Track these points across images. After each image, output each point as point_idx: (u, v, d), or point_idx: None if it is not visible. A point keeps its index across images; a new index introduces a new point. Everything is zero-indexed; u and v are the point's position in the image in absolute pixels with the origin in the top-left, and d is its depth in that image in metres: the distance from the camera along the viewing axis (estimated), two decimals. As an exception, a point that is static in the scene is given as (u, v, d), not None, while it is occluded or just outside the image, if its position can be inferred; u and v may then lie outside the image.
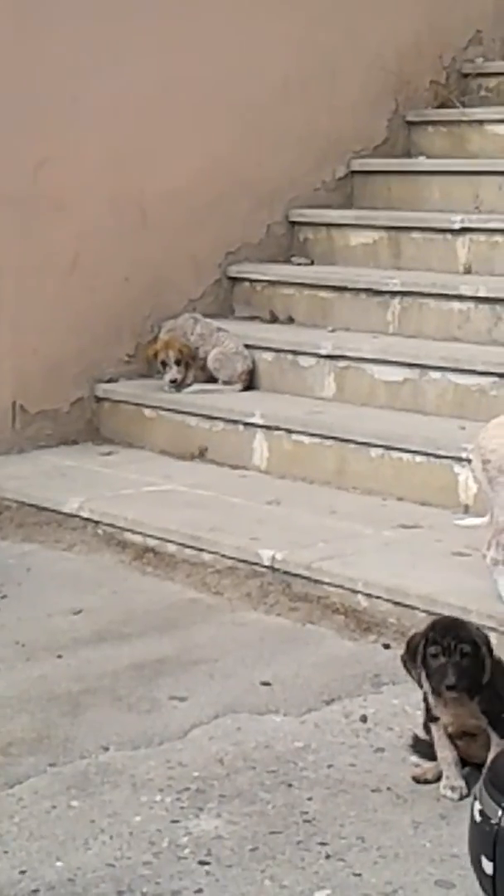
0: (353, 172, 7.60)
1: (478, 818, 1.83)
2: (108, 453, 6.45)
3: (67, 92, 6.37)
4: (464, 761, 3.35)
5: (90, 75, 6.45)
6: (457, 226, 6.70)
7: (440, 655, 3.17)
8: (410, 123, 7.81)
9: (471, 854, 1.89)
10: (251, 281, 7.20)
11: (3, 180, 6.28)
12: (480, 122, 7.50)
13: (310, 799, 3.27)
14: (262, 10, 7.05)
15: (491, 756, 3.20)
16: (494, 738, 3.23)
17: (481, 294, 6.15)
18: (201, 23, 6.83)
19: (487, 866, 1.76)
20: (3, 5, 6.17)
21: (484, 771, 1.98)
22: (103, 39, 6.52)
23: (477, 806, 1.86)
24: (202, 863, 2.94)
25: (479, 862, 1.80)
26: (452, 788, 3.27)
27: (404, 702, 3.81)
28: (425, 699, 3.34)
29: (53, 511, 5.59)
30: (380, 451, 5.53)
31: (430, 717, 3.33)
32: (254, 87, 7.07)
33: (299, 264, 7.27)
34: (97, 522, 5.43)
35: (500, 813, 1.75)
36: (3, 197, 6.29)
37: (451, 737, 3.32)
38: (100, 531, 5.39)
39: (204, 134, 6.91)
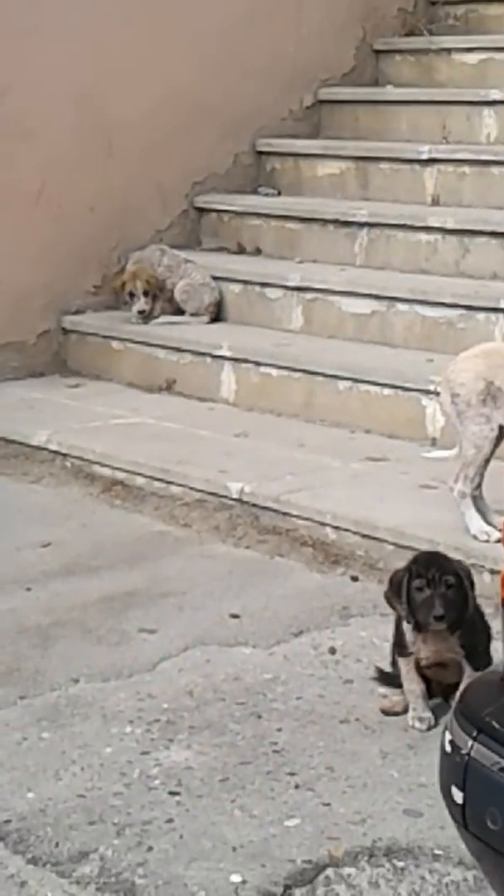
0: (321, 101, 7.61)
1: (448, 749, 1.84)
2: (76, 385, 6.48)
3: (28, 22, 6.33)
4: (430, 693, 3.43)
5: (49, 4, 6.42)
6: (424, 156, 6.73)
7: (425, 588, 3.23)
8: (378, 52, 7.81)
9: (441, 784, 1.89)
10: (218, 212, 7.22)
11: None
12: (448, 50, 7.51)
13: (279, 730, 3.34)
14: None
15: (462, 687, 3.34)
16: (468, 669, 3.29)
17: (449, 226, 6.19)
18: None
19: (458, 795, 1.78)
20: None
21: (454, 703, 2.00)
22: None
23: (447, 737, 1.85)
24: (172, 793, 3.01)
25: (450, 791, 1.81)
26: (420, 720, 3.35)
27: (372, 634, 3.87)
28: (397, 633, 3.40)
29: (21, 444, 5.62)
30: (347, 383, 5.58)
31: (400, 652, 3.39)
32: (219, 15, 7.05)
33: (266, 195, 7.30)
34: (65, 455, 5.46)
35: (470, 743, 1.76)
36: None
37: (420, 669, 3.38)
38: (68, 464, 5.42)
39: (169, 62, 6.89)
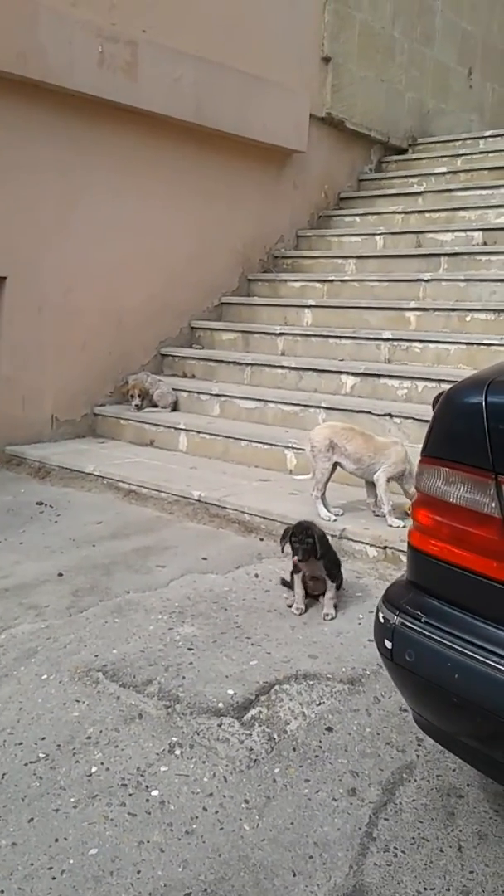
0: (222, 303, 7.62)
1: (381, 621, 1.81)
2: (103, 442, 6.37)
3: (82, 255, 6.34)
4: (307, 594, 3.50)
5: (91, 249, 6.41)
6: (277, 331, 6.83)
7: (296, 542, 3.32)
8: (250, 280, 7.84)
9: (377, 639, 1.85)
10: (172, 356, 7.16)
11: (50, 297, 6.18)
12: (285, 280, 7.60)
13: (237, 616, 3.37)
14: (180, 219, 7.06)
15: (328, 593, 3.43)
16: (329, 581, 3.44)
17: (292, 365, 6.28)
18: (149, 223, 6.83)
19: (388, 644, 1.77)
20: (47, 194, 6.13)
21: (381, 596, 1.92)
22: (103, 228, 6.48)
23: (380, 614, 1.82)
24: (189, 649, 3.04)
25: (383, 642, 1.79)
26: (298, 609, 3.42)
27: (276, 567, 3.91)
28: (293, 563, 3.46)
29: (78, 471, 5.53)
30: (245, 442, 5.62)
31: (294, 570, 3.44)
32: (173, 258, 7.05)
33: (197, 348, 7.29)
34: (103, 477, 5.38)
35: (394, 618, 1.76)
36: (49, 306, 6.19)
37: (304, 580, 3.46)
38: (105, 482, 5.35)
39: (149, 282, 6.88)
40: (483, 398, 1.59)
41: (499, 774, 1.79)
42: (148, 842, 2.04)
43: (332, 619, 3.38)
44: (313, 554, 3.33)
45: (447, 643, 1.66)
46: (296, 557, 3.33)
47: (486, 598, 1.63)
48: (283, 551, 3.44)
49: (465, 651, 1.62)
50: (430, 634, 1.70)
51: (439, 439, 1.72)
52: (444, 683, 1.65)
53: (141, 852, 2.00)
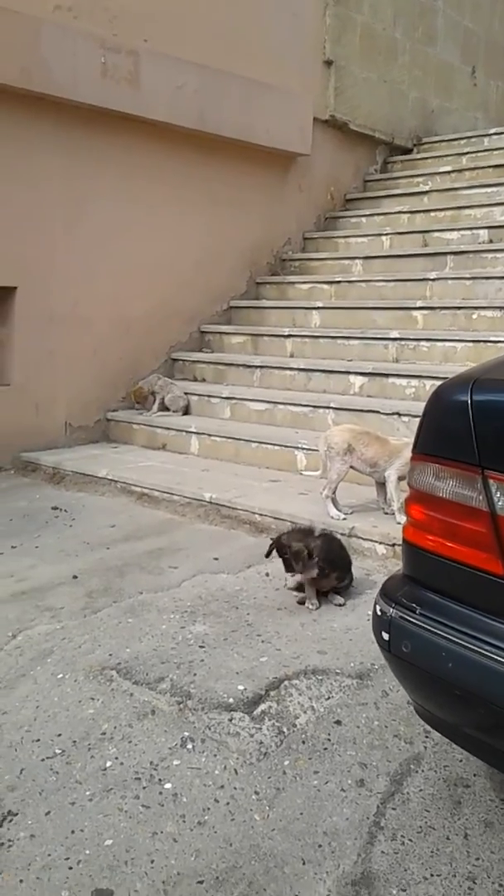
0: (231, 307, 7.68)
1: (379, 613, 1.85)
2: (116, 447, 6.44)
3: (90, 263, 6.43)
4: (318, 592, 3.54)
5: (99, 257, 6.49)
6: (286, 333, 6.89)
7: (288, 553, 3.41)
8: (258, 283, 7.90)
9: (375, 632, 1.88)
10: (183, 360, 7.23)
11: (60, 306, 6.28)
12: (293, 282, 7.65)
13: (248, 614, 3.43)
14: (186, 225, 7.12)
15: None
16: (335, 581, 3.53)
17: (301, 367, 6.34)
18: (155, 230, 6.90)
19: (385, 636, 1.81)
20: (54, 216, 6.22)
21: (379, 590, 1.95)
22: (110, 236, 6.58)
23: (377, 607, 1.86)
24: (201, 646, 3.10)
25: (381, 634, 1.83)
26: (313, 604, 3.47)
27: None
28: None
29: (92, 476, 5.59)
30: (256, 444, 5.67)
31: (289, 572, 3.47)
32: (181, 264, 7.12)
33: (207, 352, 7.34)
34: (116, 481, 5.44)
35: (391, 610, 1.80)
36: (59, 315, 6.29)
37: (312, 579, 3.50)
38: (118, 486, 5.41)
39: (159, 287, 6.95)
40: (468, 396, 1.65)
41: (498, 762, 1.84)
42: (161, 832, 2.11)
43: (342, 605, 3.48)
44: (291, 568, 3.42)
45: (441, 634, 1.71)
46: (287, 568, 3.43)
47: (476, 589, 1.68)
48: (288, 570, 3.48)
49: (459, 641, 1.67)
50: (424, 625, 1.75)
51: (429, 436, 1.78)
52: (439, 673, 1.70)
53: (154, 843, 2.07)
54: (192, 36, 6.78)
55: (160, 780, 2.32)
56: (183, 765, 2.39)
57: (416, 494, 1.80)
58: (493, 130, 9.03)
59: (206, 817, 2.17)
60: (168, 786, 2.30)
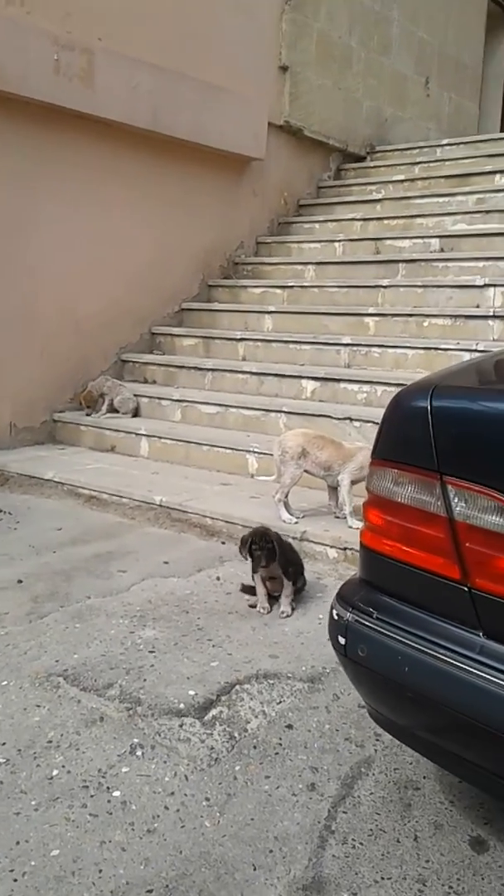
0: (183, 309, 7.63)
1: (335, 617, 1.83)
2: (62, 449, 6.34)
3: (40, 262, 6.33)
4: (269, 595, 3.54)
5: (49, 256, 6.40)
6: (238, 336, 6.87)
7: (256, 549, 3.38)
8: (210, 286, 7.87)
9: (331, 636, 1.87)
10: (133, 362, 7.15)
11: (7, 304, 6.18)
12: (245, 286, 7.65)
13: (199, 618, 3.40)
14: (139, 226, 7.05)
15: (285, 591, 3.48)
16: (286, 581, 3.50)
17: (253, 370, 6.33)
18: (108, 230, 6.82)
19: (342, 640, 1.80)
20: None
21: (335, 594, 1.94)
22: (61, 235, 6.47)
23: (334, 611, 1.85)
24: (151, 651, 3.06)
25: (337, 638, 1.82)
26: (263, 608, 3.46)
27: (237, 569, 3.94)
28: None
29: (38, 478, 5.50)
30: (207, 447, 5.63)
31: (254, 571, 3.46)
32: (132, 264, 7.04)
33: (158, 354, 7.28)
34: (63, 483, 5.36)
35: (347, 614, 1.79)
36: (6, 313, 6.19)
37: (263, 581, 3.50)
38: (65, 488, 5.33)
39: (109, 288, 6.87)
40: (429, 402, 1.66)
41: (450, 764, 1.85)
42: (110, 842, 2.07)
43: (288, 616, 3.44)
44: (273, 559, 3.39)
45: (398, 638, 1.71)
46: (255, 564, 3.40)
47: (433, 594, 1.69)
48: (246, 559, 3.47)
49: (415, 645, 1.68)
50: (381, 630, 1.74)
51: (388, 441, 1.78)
52: (394, 677, 1.70)
53: (103, 852, 2.03)
54: (147, 36, 6.74)
55: (109, 787, 2.28)
56: (132, 772, 2.35)
57: (375, 499, 1.80)
58: (445, 141, 9.18)
59: (155, 825, 2.14)
60: (117, 793, 2.26)
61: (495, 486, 1.55)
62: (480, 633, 1.64)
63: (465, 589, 1.64)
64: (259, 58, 7.92)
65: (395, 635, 1.73)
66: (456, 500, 1.62)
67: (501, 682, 1.57)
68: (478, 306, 6.02)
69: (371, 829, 2.17)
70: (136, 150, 6.89)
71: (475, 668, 1.60)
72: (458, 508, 1.62)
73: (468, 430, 1.63)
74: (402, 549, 1.73)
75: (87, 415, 6.47)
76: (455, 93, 10.84)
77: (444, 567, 1.65)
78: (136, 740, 2.49)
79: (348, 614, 1.82)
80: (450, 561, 1.64)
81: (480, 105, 11.40)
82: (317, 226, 8.32)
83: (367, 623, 1.78)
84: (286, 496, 4.38)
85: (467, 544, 1.61)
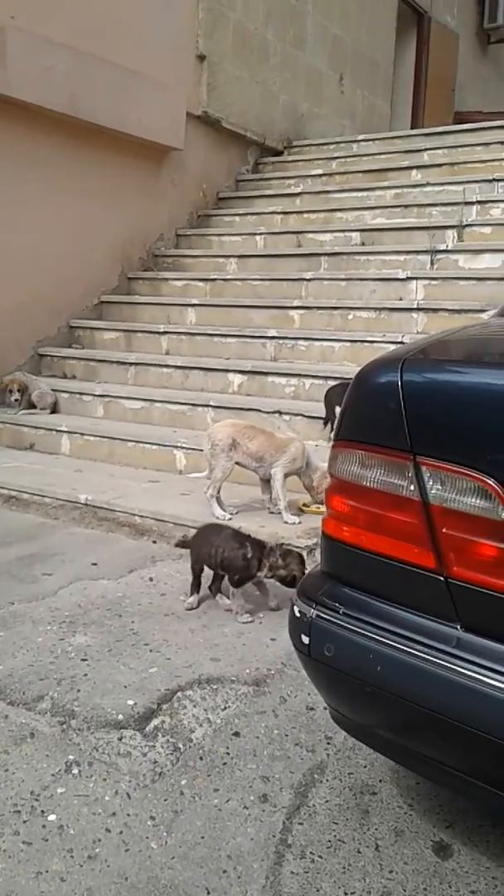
0: (102, 302, 7.40)
1: (297, 615, 1.70)
2: None
3: None
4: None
5: None
6: (161, 329, 6.69)
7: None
8: (130, 279, 7.65)
9: (292, 635, 1.74)
10: (50, 356, 6.90)
11: None
12: (166, 279, 7.47)
13: (133, 622, 3.21)
14: (55, 214, 6.79)
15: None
16: (227, 577, 3.38)
17: (177, 364, 6.17)
18: (20, 218, 6.55)
19: (305, 639, 1.66)
20: None
21: (297, 588, 1.81)
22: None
23: (296, 608, 1.71)
24: (83, 660, 2.87)
25: (300, 637, 1.68)
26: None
27: (171, 569, 3.79)
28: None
29: None
30: (132, 443, 5.43)
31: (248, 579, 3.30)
32: (48, 254, 6.77)
33: (77, 348, 7.04)
34: None
35: (311, 611, 1.66)
36: None
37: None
38: None
39: (24, 278, 6.60)
40: (398, 377, 1.52)
41: (423, 768, 1.72)
42: (47, 871, 1.86)
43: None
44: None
45: (368, 635, 1.58)
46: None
47: (406, 585, 1.56)
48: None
49: (388, 641, 1.54)
50: (349, 626, 1.61)
51: (353, 422, 1.64)
52: (365, 677, 1.56)
53: (39, 884, 1.82)
54: (62, 17, 6.46)
55: (43, 811, 2.06)
56: (68, 792, 2.14)
57: (339, 484, 1.65)
58: (361, 137, 9.20)
59: (96, 850, 1.94)
60: (52, 817, 2.05)
61: (474, 466, 1.42)
62: (458, 626, 1.51)
63: (441, 579, 1.51)
64: (176, 45, 7.74)
65: (364, 632, 1.59)
66: (430, 482, 1.49)
67: (481, 678, 1.45)
68: (401, 299, 6.00)
69: (329, 841, 2.02)
70: (52, 135, 6.62)
71: (453, 664, 1.48)
72: (433, 491, 1.48)
73: (444, 405, 1.49)
74: (370, 537, 1.59)
75: (17, 401, 6.17)
76: (368, 91, 10.87)
77: (418, 556, 1.52)
78: (71, 757, 2.29)
79: (312, 611, 1.68)
80: (424, 549, 1.51)
81: (392, 105, 11.46)
82: (237, 219, 8.18)
83: (333, 620, 1.64)
84: (218, 491, 4.22)
85: (444, 530, 1.48)
